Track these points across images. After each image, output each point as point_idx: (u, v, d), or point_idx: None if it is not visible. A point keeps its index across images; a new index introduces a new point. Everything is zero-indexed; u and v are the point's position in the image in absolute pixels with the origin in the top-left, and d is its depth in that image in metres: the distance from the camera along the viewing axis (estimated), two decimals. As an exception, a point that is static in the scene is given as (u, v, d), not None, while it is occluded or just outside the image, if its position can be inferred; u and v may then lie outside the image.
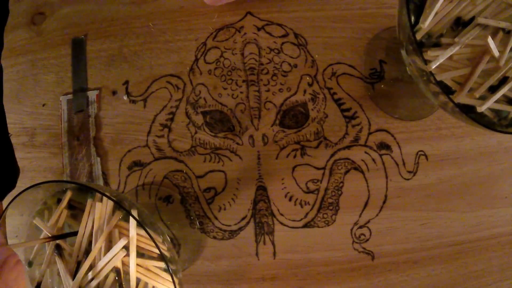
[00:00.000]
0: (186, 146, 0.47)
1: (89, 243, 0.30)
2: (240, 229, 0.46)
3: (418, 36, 0.33)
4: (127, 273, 0.30)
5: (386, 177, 0.46)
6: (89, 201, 0.30)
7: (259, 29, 0.48)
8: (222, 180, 0.46)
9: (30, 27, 0.51)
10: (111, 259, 0.29)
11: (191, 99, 0.47)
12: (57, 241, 0.30)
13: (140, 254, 0.30)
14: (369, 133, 0.46)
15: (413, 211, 0.46)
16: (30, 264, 0.32)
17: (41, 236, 0.31)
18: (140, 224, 0.28)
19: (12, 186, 0.35)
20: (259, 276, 0.45)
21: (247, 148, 0.46)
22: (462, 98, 0.33)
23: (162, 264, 0.30)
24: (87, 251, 0.30)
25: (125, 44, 0.49)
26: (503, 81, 0.33)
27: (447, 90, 0.33)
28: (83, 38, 0.49)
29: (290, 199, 0.46)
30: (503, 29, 0.33)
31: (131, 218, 0.28)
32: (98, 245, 0.29)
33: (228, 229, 0.46)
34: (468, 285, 0.46)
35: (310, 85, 0.47)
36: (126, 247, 0.29)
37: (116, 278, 0.30)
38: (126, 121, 0.48)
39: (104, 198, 0.30)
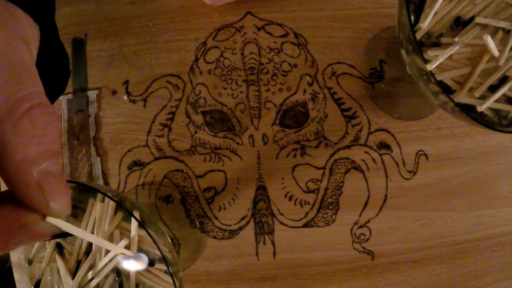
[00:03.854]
0: (186, 146, 0.47)
1: (90, 243, 0.30)
2: (240, 228, 0.46)
3: (418, 36, 0.34)
4: (127, 274, 0.30)
5: (386, 177, 0.46)
6: (91, 201, 0.30)
7: (259, 29, 0.48)
8: (222, 179, 0.46)
9: (30, 27, 0.50)
10: (111, 260, 0.29)
11: (191, 99, 0.47)
12: (58, 240, 0.30)
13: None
14: (369, 133, 0.46)
15: (413, 211, 0.46)
16: (30, 262, 0.32)
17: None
18: (142, 227, 0.28)
19: (63, 90, 0.36)
20: (259, 276, 0.45)
21: (247, 147, 0.46)
22: (462, 97, 0.33)
23: (162, 266, 0.30)
24: (88, 251, 0.30)
25: (125, 44, 0.49)
26: (503, 80, 0.33)
27: (447, 90, 0.33)
28: (83, 38, 0.49)
29: (290, 199, 0.46)
30: (502, 29, 0.33)
31: (132, 219, 0.28)
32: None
33: (228, 229, 0.46)
34: (468, 285, 0.46)
35: (310, 84, 0.47)
36: (127, 248, 0.29)
37: (116, 278, 0.30)
38: (126, 120, 0.48)
39: (106, 199, 0.30)
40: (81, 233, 0.22)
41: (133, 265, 0.28)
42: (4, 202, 0.18)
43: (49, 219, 0.18)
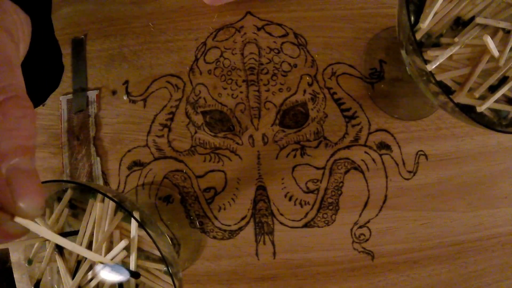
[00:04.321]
0: (186, 146, 0.47)
1: (90, 243, 0.30)
2: (240, 229, 0.46)
3: (418, 36, 0.33)
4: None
5: (386, 177, 0.46)
6: (91, 201, 0.30)
7: (259, 29, 0.48)
8: (222, 180, 0.46)
9: (30, 27, 0.50)
10: (111, 260, 0.29)
11: (191, 99, 0.47)
12: (57, 241, 0.30)
13: (140, 255, 0.30)
14: (369, 133, 0.46)
15: (413, 211, 0.46)
16: (30, 262, 0.32)
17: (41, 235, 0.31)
18: (142, 227, 0.28)
19: (57, 85, 0.36)
20: (259, 276, 0.45)
21: (247, 148, 0.46)
22: (462, 98, 0.33)
23: (162, 266, 0.30)
24: (88, 251, 0.30)
25: (125, 44, 0.49)
26: (503, 80, 0.33)
27: (447, 90, 0.33)
28: (83, 38, 0.49)
29: (290, 199, 0.46)
30: (502, 29, 0.33)
31: (132, 219, 0.28)
32: (99, 245, 0.29)
33: (228, 229, 0.46)
34: (468, 285, 0.46)
35: (310, 85, 0.47)
36: (127, 248, 0.29)
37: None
38: (126, 121, 0.48)
39: (106, 199, 0.30)
40: (52, 236, 0.21)
41: (111, 276, 0.28)
42: None
43: (17, 219, 0.17)
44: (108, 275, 0.28)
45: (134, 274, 0.29)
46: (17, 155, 0.17)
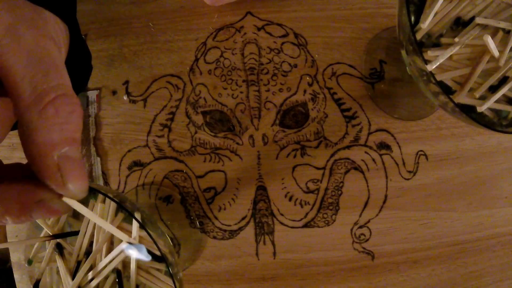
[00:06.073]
0: (186, 146, 0.47)
1: (90, 244, 0.30)
2: (240, 229, 0.46)
3: (418, 36, 0.34)
4: (127, 275, 0.30)
5: (386, 177, 0.46)
6: (92, 201, 0.30)
7: (259, 29, 0.48)
8: (222, 180, 0.46)
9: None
10: (111, 260, 0.29)
11: (191, 99, 0.47)
12: (58, 240, 0.30)
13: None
14: (369, 133, 0.46)
15: (413, 211, 0.46)
16: (29, 262, 0.32)
17: (42, 235, 0.31)
18: (143, 228, 0.28)
19: (86, 84, 0.40)
20: (259, 276, 0.45)
21: (247, 148, 0.46)
22: (462, 98, 0.33)
23: (163, 267, 0.30)
24: (88, 251, 0.30)
25: (125, 44, 0.49)
26: (503, 81, 0.33)
27: (447, 90, 0.33)
28: (83, 38, 0.49)
29: (290, 199, 0.46)
30: (502, 29, 0.33)
31: (133, 220, 0.28)
32: (99, 246, 0.29)
33: (228, 229, 0.46)
34: (468, 285, 0.46)
35: (310, 85, 0.47)
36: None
37: (117, 279, 0.30)
38: (126, 121, 0.48)
39: (107, 200, 0.30)
40: (92, 216, 0.24)
41: (137, 255, 0.28)
42: (26, 179, 0.20)
43: (64, 199, 0.20)
44: (133, 253, 0.28)
45: (158, 258, 0.29)
46: (66, 145, 0.19)
